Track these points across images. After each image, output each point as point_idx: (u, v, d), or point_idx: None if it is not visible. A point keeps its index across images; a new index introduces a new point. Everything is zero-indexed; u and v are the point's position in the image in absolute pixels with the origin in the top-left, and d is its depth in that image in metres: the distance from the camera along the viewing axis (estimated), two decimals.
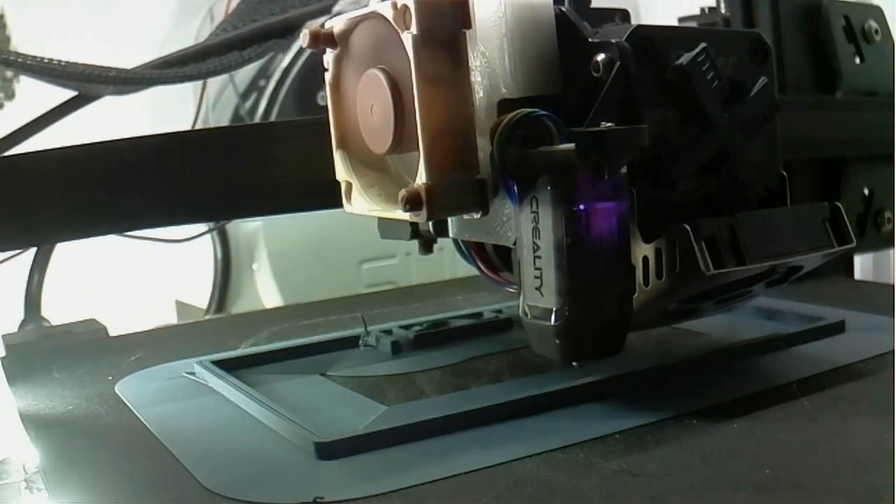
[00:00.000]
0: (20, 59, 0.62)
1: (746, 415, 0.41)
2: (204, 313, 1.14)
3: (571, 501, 0.34)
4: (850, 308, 0.54)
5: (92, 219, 0.54)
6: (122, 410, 0.48)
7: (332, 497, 0.35)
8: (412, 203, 0.39)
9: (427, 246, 0.52)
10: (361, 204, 0.45)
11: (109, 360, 0.59)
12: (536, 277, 0.39)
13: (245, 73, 1.16)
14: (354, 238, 1.09)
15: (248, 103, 1.15)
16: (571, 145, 0.37)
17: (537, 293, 0.39)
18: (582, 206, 0.38)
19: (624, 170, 0.38)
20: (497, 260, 0.47)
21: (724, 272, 0.38)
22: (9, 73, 1.07)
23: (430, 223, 0.47)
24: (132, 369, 0.56)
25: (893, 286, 0.74)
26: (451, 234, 0.46)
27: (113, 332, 0.68)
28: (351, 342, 0.57)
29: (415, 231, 0.50)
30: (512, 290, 0.45)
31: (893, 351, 0.49)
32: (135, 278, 1.27)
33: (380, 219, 0.54)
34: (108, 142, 0.54)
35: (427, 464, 0.38)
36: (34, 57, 0.62)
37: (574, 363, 0.41)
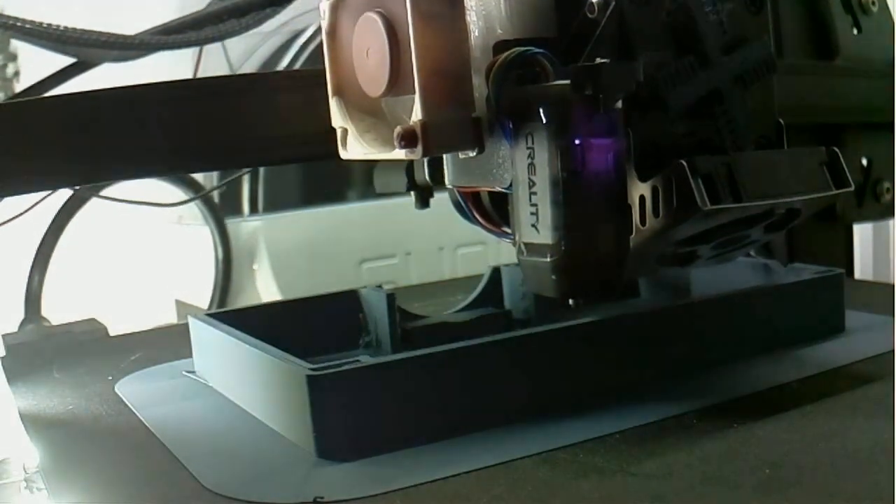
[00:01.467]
0: (18, 24, 0.61)
1: (746, 415, 0.41)
2: (204, 313, 1.14)
3: (571, 501, 0.34)
4: (850, 308, 0.54)
5: (88, 164, 0.54)
6: (122, 410, 0.48)
7: (332, 497, 0.35)
8: (408, 140, 0.39)
9: (423, 199, 0.52)
10: (357, 149, 0.45)
11: (109, 360, 0.59)
12: (532, 214, 0.39)
13: (246, 72, 1.16)
14: (354, 238, 1.09)
15: None
16: (567, 81, 0.37)
17: (533, 230, 0.39)
18: (577, 141, 0.38)
19: (619, 104, 0.38)
20: (493, 213, 0.47)
21: (720, 208, 0.38)
22: (9, 73, 1.07)
23: (427, 171, 0.47)
24: (132, 369, 0.56)
25: (893, 286, 0.74)
26: (447, 181, 0.46)
27: (113, 332, 0.68)
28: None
29: (411, 182, 0.50)
30: (509, 241, 0.46)
31: (893, 351, 0.49)
32: (135, 278, 1.27)
33: (376, 173, 0.54)
34: (105, 90, 0.54)
35: (427, 464, 0.38)
36: (32, 21, 0.61)
37: (571, 301, 0.41)
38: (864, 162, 0.77)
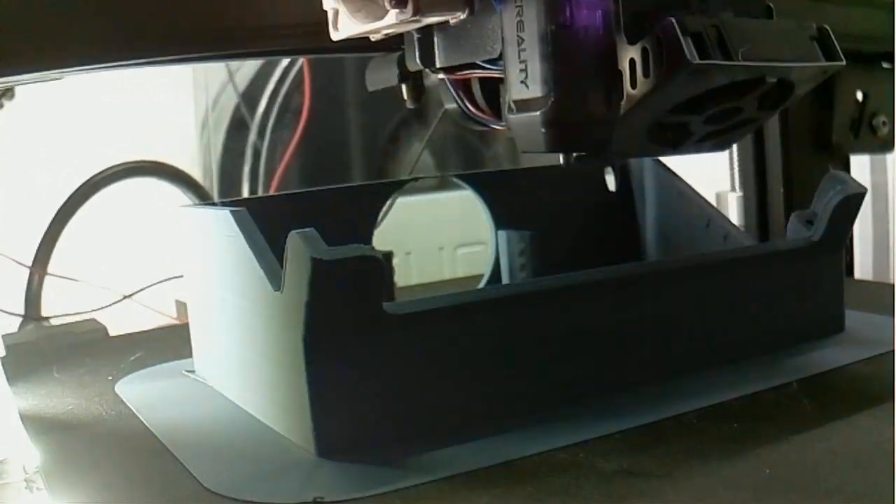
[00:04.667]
0: None
1: (746, 415, 0.41)
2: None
3: (571, 501, 0.34)
4: (850, 308, 0.54)
5: (73, 50, 0.54)
6: (121, 410, 0.48)
7: (332, 497, 0.35)
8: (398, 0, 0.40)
9: (416, 93, 0.52)
10: (348, 27, 0.45)
11: (109, 360, 0.59)
12: (521, 71, 0.40)
13: (245, 73, 1.16)
14: None
15: (249, 104, 1.15)
16: None
17: (522, 86, 0.40)
18: None
19: None
20: (483, 103, 0.47)
21: (709, 64, 0.38)
22: None
23: (418, 54, 0.47)
24: (132, 369, 0.56)
25: (893, 286, 0.74)
26: (437, 62, 0.46)
27: (113, 333, 0.68)
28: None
29: (403, 72, 0.51)
30: (497, 127, 0.46)
31: (893, 351, 0.49)
32: (135, 278, 1.27)
33: (368, 70, 0.55)
34: None
35: (427, 464, 0.38)
36: None
37: (562, 158, 0.41)
38: (860, 96, 0.77)
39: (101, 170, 0.94)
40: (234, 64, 1.15)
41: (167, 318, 0.88)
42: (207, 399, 0.49)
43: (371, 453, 0.39)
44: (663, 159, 0.66)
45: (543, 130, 0.40)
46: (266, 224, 0.44)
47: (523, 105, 0.40)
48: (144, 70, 0.71)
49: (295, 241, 0.38)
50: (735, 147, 0.83)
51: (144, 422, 0.46)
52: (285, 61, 1.14)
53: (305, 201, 0.60)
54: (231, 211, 0.45)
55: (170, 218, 0.53)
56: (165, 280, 0.85)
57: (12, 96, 1.10)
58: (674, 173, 0.65)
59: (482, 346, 0.42)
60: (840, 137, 0.78)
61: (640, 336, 0.46)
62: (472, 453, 0.38)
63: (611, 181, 0.68)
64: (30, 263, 0.87)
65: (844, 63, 0.42)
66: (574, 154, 0.42)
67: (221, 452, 0.41)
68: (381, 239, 0.62)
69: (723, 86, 0.40)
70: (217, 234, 0.47)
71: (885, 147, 0.80)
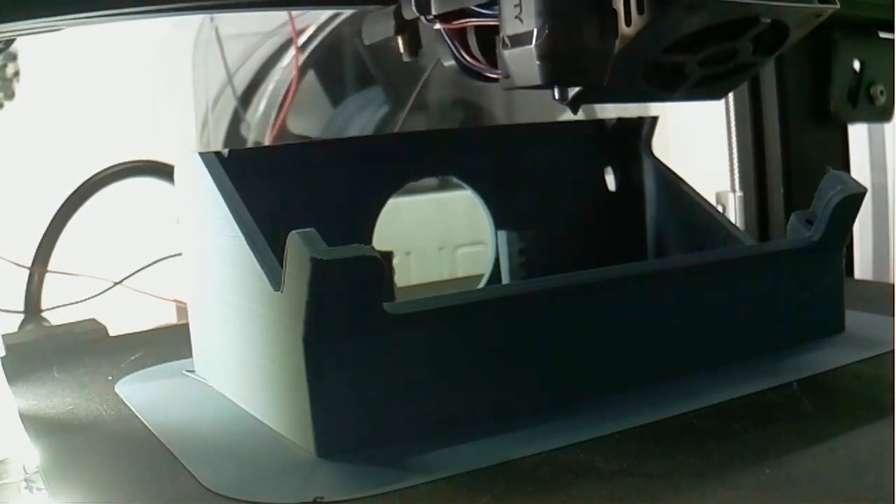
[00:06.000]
0: None
1: (746, 415, 0.41)
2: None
3: (571, 501, 0.34)
4: (850, 308, 0.54)
5: None
6: (121, 410, 0.48)
7: (332, 497, 0.35)
8: None
9: (412, 45, 0.53)
10: None
11: (109, 360, 0.59)
12: (516, 6, 0.41)
13: (244, 75, 1.16)
14: None
15: (248, 104, 1.15)
16: None
17: (517, 21, 0.41)
18: None
19: None
20: (478, 52, 0.48)
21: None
22: (9, 73, 1.07)
23: (414, 1, 0.48)
24: (132, 369, 0.56)
25: (893, 286, 0.74)
26: (433, 9, 0.47)
27: (113, 333, 0.68)
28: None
29: (399, 23, 0.51)
30: (494, 76, 0.46)
31: (893, 351, 0.49)
32: (134, 278, 1.27)
33: (364, 24, 0.56)
34: None
35: (427, 464, 0.38)
36: None
37: (557, 93, 0.42)
38: (857, 65, 0.78)
39: (100, 169, 0.94)
40: (233, 64, 1.15)
41: (168, 302, 0.87)
42: (207, 399, 0.49)
43: (371, 453, 0.39)
44: (663, 159, 0.66)
45: (538, 63, 0.40)
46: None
47: (517, 39, 0.41)
48: (145, 70, 0.72)
49: (295, 241, 0.38)
50: (735, 147, 0.83)
51: (144, 422, 0.46)
52: (284, 61, 1.14)
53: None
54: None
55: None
56: (162, 259, 0.85)
57: (12, 96, 1.10)
58: (674, 173, 0.65)
59: (482, 346, 0.42)
60: (838, 107, 0.79)
61: (640, 336, 0.46)
62: (472, 453, 0.38)
63: (611, 181, 0.68)
64: (29, 262, 0.87)
65: (838, 6, 0.43)
66: (571, 93, 0.43)
67: (221, 452, 0.41)
68: (381, 239, 0.62)
69: (717, 25, 0.40)
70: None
71: (883, 116, 0.80)
